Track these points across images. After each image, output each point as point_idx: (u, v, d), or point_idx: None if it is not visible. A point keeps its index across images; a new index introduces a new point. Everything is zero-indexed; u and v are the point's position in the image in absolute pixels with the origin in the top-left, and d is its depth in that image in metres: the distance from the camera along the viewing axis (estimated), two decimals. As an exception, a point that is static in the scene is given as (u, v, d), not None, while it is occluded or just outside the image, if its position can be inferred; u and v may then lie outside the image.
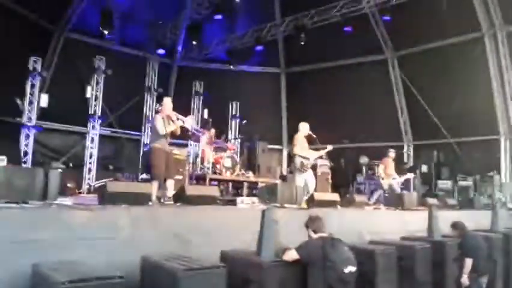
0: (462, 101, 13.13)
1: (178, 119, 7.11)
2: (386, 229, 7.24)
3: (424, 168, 12.00)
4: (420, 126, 14.82)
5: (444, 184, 13.32)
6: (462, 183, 13.06)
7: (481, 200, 10.89)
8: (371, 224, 6.99)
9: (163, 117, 6.88)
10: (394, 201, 8.62)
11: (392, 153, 10.80)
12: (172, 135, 6.88)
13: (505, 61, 13.10)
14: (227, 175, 9.99)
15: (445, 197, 11.34)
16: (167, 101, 7.63)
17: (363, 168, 14.40)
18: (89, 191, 10.84)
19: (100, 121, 12.86)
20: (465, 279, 5.50)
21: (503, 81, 13.19)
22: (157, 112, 7.38)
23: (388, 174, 10.46)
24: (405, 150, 15.08)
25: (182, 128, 7.11)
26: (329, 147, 8.71)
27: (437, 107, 13.99)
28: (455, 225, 6.08)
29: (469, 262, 5.51)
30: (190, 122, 7.24)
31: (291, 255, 4.15)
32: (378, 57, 15.52)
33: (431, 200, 9.47)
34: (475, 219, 6.89)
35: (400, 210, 8.13)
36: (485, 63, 13.27)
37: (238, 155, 11.70)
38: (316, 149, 8.82)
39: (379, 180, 10.68)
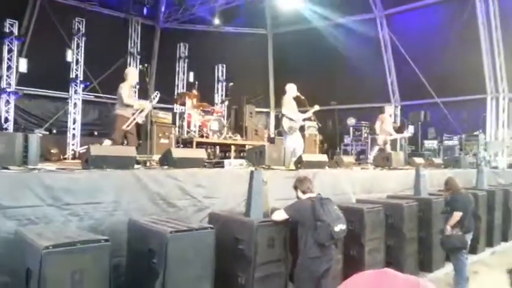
0: (450, 61, 13.04)
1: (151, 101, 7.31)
2: (374, 188, 7.31)
3: (411, 128, 12.02)
4: (408, 87, 14.77)
5: (431, 144, 13.44)
6: (448, 142, 13.20)
7: (466, 159, 11.00)
8: (359, 183, 7.03)
9: (129, 87, 7.19)
10: (382, 160, 8.66)
11: (388, 109, 10.76)
12: None
13: (495, 21, 12.97)
14: (214, 138, 9.88)
15: (431, 156, 11.47)
16: (132, 71, 7.72)
17: (351, 129, 14.42)
18: (74, 157, 10.67)
19: (82, 86, 12.53)
20: (448, 229, 5.63)
21: (491, 40, 13.09)
22: (123, 80, 7.35)
23: (384, 131, 10.35)
24: (392, 110, 15.05)
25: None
26: (316, 107, 8.63)
27: (424, 67, 13.90)
28: (448, 182, 6.12)
29: (457, 215, 5.59)
30: (149, 107, 7.35)
31: (280, 215, 4.15)
32: (367, 16, 15.23)
33: (418, 159, 9.55)
34: (461, 178, 6.96)
35: (388, 170, 8.18)
36: (475, 22, 13.11)
37: (225, 118, 11.55)
38: (305, 111, 8.75)
39: (374, 136, 10.68)
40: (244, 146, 10.53)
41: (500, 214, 8.46)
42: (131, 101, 7.20)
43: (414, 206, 6.12)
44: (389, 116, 10.62)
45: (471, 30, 13.12)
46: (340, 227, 3.97)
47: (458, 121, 13.60)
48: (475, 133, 13.01)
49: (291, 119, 8.31)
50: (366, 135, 13.87)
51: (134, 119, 7.02)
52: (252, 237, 3.98)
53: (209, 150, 10.78)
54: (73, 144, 12.05)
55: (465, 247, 5.69)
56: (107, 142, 6.96)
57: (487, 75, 13.31)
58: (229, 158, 9.81)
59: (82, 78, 12.53)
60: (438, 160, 10.60)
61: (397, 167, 8.37)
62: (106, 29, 13.54)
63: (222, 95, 15.05)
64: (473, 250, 7.01)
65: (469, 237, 5.79)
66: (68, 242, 2.86)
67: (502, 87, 13.27)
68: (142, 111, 7.12)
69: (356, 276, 0.82)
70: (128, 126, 6.93)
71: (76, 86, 12.42)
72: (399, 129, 11.71)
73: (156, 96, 7.51)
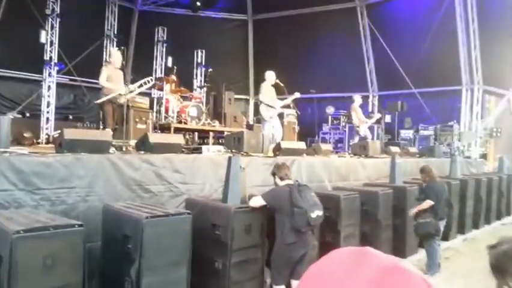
0: (428, 52, 13.19)
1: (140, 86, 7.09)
2: (351, 176, 7.40)
3: (388, 117, 12.19)
4: (386, 76, 14.91)
5: (407, 133, 13.67)
6: (423, 132, 13.44)
7: (441, 149, 11.25)
8: (336, 171, 7.09)
9: (109, 70, 7.03)
10: (359, 149, 8.76)
11: (357, 99, 10.91)
12: None
13: (472, 13, 13.16)
14: (192, 124, 9.78)
15: (407, 146, 11.67)
16: (114, 53, 7.56)
17: (329, 118, 14.52)
18: (47, 142, 10.39)
19: (56, 68, 12.16)
20: (412, 212, 5.82)
21: (468, 32, 13.30)
22: (108, 63, 7.27)
23: (361, 120, 10.63)
24: (370, 99, 15.22)
25: None
26: (297, 95, 8.65)
27: (403, 58, 14.04)
28: (423, 170, 6.25)
29: (428, 203, 5.73)
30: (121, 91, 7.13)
31: (257, 201, 4.15)
32: (347, 5, 15.23)
33: (394, 148, 9.71)
34: (435, 167, 7.10)
35: (364, 158, 8.28)
36: (453, 14, 13.27)
37: (204, 104, 11.42)
38: (285, 99, 8.76)
39: (355, 128, 10.85)
40: (222, 132, 10.46)
41: (472, 203, 8.70)
42: (107, 83, 7.02)
43: (390, 194, 6.23)
44: (359, 105, 10.81)
45: (449, 22, 13.29)
46: (317, 213, 4.00)
47: (433, 111, 13.84)
48: (450, 124, 13.28)
49: (268, 106, 8.32)
50: (344, 124, 13.98)
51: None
52: (229, 223, 3.98)
53: (187, 137, 10.69)
54: (46, 128, 11.71)
55: (438, 234, 5.85)
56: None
57: (462, 67, 13.55)
58: (207, 144, 9.74)
59: (56, 61, 12.15)
60: (413, 149, 10.81)
61: (374, 156, 8.48)
62: (82, 10, 13.12)
63: (201, 81, 14.86)
64: (446, 237, 7.20)
65: (442, 224, 5.95)
66: (40, 227, 2.80)
67: (477, 79, 13.54)
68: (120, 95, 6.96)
69: (334, 253, 0.79)
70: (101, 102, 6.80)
71: (50, 68, 12.03)
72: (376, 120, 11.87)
73: (151, 81, 7.35)
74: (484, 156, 13.60)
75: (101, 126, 7.01)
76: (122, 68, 7.49)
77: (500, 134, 13.35)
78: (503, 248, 1.12)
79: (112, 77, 7.12)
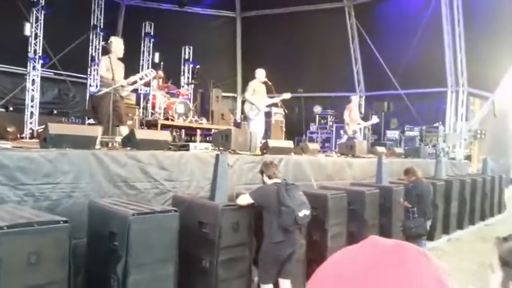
0: (414, 53, 13.33)
1: (141, 78, 6.71)
2: (338, 175, 7.42)
3: (374, 118, 12.26)
4: (373, 77, 15.02)
5: (393, 134, 13.79)
6: (409, 133, 13.59)
7: (426, 150, 11.38)
8: (323, 170, 7.11)
9: (110, 60, 6.42)
10: (345, 148, 8.80)
11: (355, 99, 11.04)
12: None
13: (458, 15, 13.32)
14: (180, 121, 9.70)
15: (393, 146, 11.78)
16: (117, 42, 6.91)
17: (317, 117, 14.58)
18: (32, 136, 10.20)
19: (41, 62, 11.94)
20: (401, 201, 5.99)
21: (454, 34, 13.46)
22: (106, 52, 6.75)
23: (353, 120, 10.72)
24: (358, 100, 15.28)
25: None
26: (287, 95, 8.67)
27: (390, 59, 14.15)
28: (408, 171, 6.30)
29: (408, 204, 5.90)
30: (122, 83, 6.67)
31: (245, 199, 4.13)
32: (336, 5, 15.29)
33: (380, 149, 9.77)
34: (420, 167, 7.18)
35: (351, 158, 8.32)
36: (439, 16, 13.41)
37: (192, 101, 11.34)
38: (274, 97, 8.77)
39: (345, 126, 10.93)
40: (210, 130, 10.41)
41: (457, 203, 8.82)
42: (107, 74, 6.39)
43: (376, 194, 6.26)
44: (355, 105, 10.94)
45: (435, 24, 13.43)
46: (304, 212, 3.99)
47: (419, 113, 14.00)
48: (435, 125, 13.45)
49: (253, 105, 8.34)
50: (331, 123, 14.06)
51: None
52: (216, 221, 3.95)
53: (174, 134, 10.60)
54: (31, 123, 11.49)
55: (426, 234, 5.94)
56: (124, 128, 6.42)
57: (448, 69, 13.71)
58: (194, 141, 9.68)
59: (40, 54, 11.93)
60: (399, 150, 10.91)
61: (360, 155, 8.53)
62: (67, 3, 12.87)
63: (188, 78, 14.76)
64: (431, 237, 7.29)
65: (428, 224, 6.02)
66: (25, 223, 2.73)
67: (462, 81, 13.72)
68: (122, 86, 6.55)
69: (341, 256, 0.78)
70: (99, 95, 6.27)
71: (35, 62, 11.81)
72: (363, 119, 11.94)
73: (150, 73, 6.93)
74: (468, 157, 13.81)
75: (96, 121, 6.64)
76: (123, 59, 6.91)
77: (485, 136, 13.57)
78: None
79: (112, 68, 6.46)
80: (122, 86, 6.52)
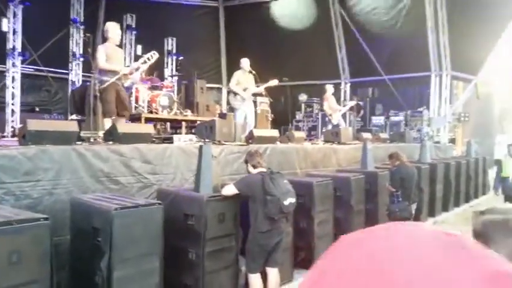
0: (398, 38, 13.35)
1: (144, 62, 6.53)
2: (324, 162, 7.45)
3: (351, 102, 12.27)
4: (357, 64, 15.00)
5: (378, 119, 13.87)
6: (394, 118, 13.67)
7: (411, 134, 11.48)
8: (309, 157, 7.12)
9: (108, 49, 6.14)
10: (331, 135, 8.83)
11: (330, 88, 11.04)
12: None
13: (441, 0, 13.35)
14: (164, 114, 9.61)
15: (379, 132, 11.86)
16: (113, 27, 6.38)
17: (302, 105, 14.57)
18: (13, 135, 10.01)
19: (20, 58, 11.70)
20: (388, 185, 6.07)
21: (437, 18, 13.49)
22: (105, 40, 6.43)
23: (334, 109, 10.77)
24: (342, 87, 15.31)
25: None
26: (274, 82, 8.67)
27: (374, 44, 14.15)
28: (392, 155, 6.36)
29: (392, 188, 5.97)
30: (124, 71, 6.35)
31: (230, 190, 4.12)
32: (319, -8, 15.21)
33: (366, 134, 9.83)
34: (405, 152, 7.24)
35: (337, 145, 8.34)
36: (422, 1, 13.43)
37: (176, 94, 11.23)
38: (258, 86, 8.74)
39: (328, 117, 10.97)
40: (195, 122, 10.31)
41: (442, 186, 8.93)
42: (107, 64, 6.03)
43: (362, 179, 6.31)
44: (331, 94, 10.93)
45: (418, 8, 13.44)
46: (290, 200, 4.00)
47: (404, 98, 14.08)
48: (420, 109, 13.55)
49: (237, 94, 8.33)
50: (317, 111, 14.07)
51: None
52: (201, 212, 3.94)
53: (159, 127, 10.50)
54: (12, 121, 11.29)
55: (411, 217, 6.00)
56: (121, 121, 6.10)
57: (431, 53, 13.77)
58: (180, 134, 9.61)
59: (20, 50, 11.68)
60: (384, 135, 10.99)
61: (346, 142, 8.57)
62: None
63: (172, 70, 14.61)
64: (416, 220, 7.35)
65: (413, 207, 6.10)
66: (4, 221, 2.68)
67: (445, 65, 13.80)
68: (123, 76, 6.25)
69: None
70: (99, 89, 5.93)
71: (14, 58, 11.57)
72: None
73: (153, 55, 6.56)
74: (452, 141, 13.97)
75: (79, 117, 6.49)
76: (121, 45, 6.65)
77: (468, 118, 13.72)
78: (493, 216, 1.13)
79: (111, 57, 6.16)
80: (124, 74, 6.24)
